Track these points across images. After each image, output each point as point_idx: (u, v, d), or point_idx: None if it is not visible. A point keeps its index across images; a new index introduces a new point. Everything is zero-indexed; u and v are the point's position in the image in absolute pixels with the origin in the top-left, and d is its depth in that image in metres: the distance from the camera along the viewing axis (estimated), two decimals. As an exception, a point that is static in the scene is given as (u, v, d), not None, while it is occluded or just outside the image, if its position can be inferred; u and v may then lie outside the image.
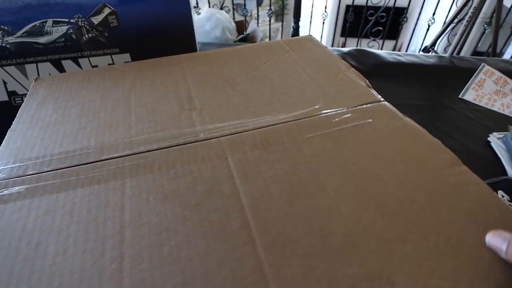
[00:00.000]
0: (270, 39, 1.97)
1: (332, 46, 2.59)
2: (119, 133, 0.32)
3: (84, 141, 0.31)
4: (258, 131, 0.31)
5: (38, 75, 0.48)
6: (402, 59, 0.78)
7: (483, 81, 0.71)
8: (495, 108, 0.66)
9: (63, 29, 0.46)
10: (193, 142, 0.30)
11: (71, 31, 0.47)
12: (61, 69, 0.49)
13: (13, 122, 0.34)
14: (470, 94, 0.69)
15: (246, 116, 0.33)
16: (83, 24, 0.46)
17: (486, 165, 0.53)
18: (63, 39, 0.47)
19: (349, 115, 0.32)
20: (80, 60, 0.49)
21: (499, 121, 0.63)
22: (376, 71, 0.75)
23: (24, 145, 0.31)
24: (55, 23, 0.45)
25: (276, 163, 0.27)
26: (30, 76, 0.49)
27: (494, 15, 1.16)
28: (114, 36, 0.48)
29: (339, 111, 0.33)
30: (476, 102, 0.68)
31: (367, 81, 0.36)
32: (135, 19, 0.48)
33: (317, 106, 0.34)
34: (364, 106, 0.33)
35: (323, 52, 0.44)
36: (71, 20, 0.46)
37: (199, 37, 1.20)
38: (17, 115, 0.35)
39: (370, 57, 0.77)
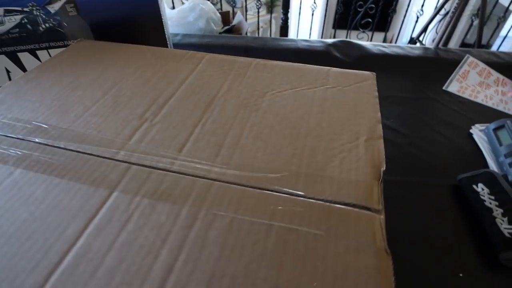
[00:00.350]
0: (258, 32, 1.94)
1: (322, 37, 2.55)
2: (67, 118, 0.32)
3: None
4: (180, 178, 0.25)
5: (-8, 69, 0.46)
6: (387, 50, 0.77)
7: (467, 72, 0.71)
8: (478, 100, 0.66)
9: (16, 18, 0.44)
10: (105, 158, 0.28)
11: (26, 20, 0.44)
12: (18, 63, 0.46)
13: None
14: (454, 86, 0.69)
15: (185, 154, 0.28)
16: (38, 13, 0.44)
17: (468, 158, 0.53)
18: (18, 29, 0.44)
19: (317, 232, 0.22)
20: (38, 52, 0.46)
21: (482, 113, 0.64)
22: (360, 63, 0.74)
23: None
24: (7, 12, 0.43)
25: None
26: (-15, 70, 0.46)
27: (480, 6, 1.14)
28: (74, 26, 0.46)
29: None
30: (460, 94, 0.68)
31: (383, 170, 0.26)
32: (96, 7, 0.46)
33: (275, 183, 0.25)
34: (346, 208, 0.23)
35: (366, 101, 0.35)
36: (25, 9, 0.43)
37: (182, 29, 1.17)
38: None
39: (354, 49, 0.76)
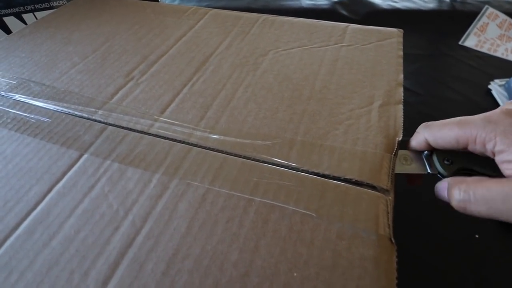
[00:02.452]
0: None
1: None
2: (52, 74, 0.29)
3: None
4: (156, 141, 0.22)
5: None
6: (398, 5, 0.69)
7: (486, 25, 0.62)
8: (498, 54, 0.58)
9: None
10: (82, 117, 0.24)
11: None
12: (4, 27, 0.43)
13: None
14: (471, 40, 0.60)
15: (167, 116, 0.23)
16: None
17: None
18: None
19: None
20: (24, 15, 0.43)
21: (502, 68, 0.56)
22: (369, 21, 0.66)
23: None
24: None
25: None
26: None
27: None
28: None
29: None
30: (478, 49, 0.59)
31: (398, 140, 0.21)
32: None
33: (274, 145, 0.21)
34: (344, 185, 0.19)
35: (387, 61, 0.29)
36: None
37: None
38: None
39: (362, 5, 0.69)
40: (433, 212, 0.33)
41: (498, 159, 0.17)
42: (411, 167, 0.20)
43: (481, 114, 0.17)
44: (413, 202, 0.31)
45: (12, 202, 0.20)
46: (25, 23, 0.44)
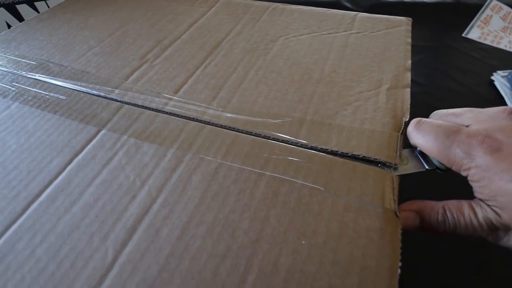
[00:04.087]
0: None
1: None
2: (70, 56, 0.30)
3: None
4: (171, 119, 0.22)
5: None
6: None
7: (490, 17, 0.61)
8: (501, 46, 0.57)
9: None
10: (99, 96, 0.25)
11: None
12: (17, 15, 0.44)
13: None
14: (474, 32, 0.59)
15: (181, 96, 0.24)
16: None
17: (488, 106, 0.44)
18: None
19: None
20: (36, 4, 0.43)
21: (505, 59, 0.55)
22: (373, 13, 0.66)
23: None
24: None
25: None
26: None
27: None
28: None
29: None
30: (481, 41, 0.58)
31: (405, 120, 0.21)
32: None
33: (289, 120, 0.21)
34: (351, 162, 0.19)
35: (395, 48, 0.29)
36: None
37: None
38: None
39: None
40: (438, 186, 0.33)
41: (470, 182, 0.17)
42: (408, 167, 0.19)
43: (463, 135, 0.17)
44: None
45: (35, 172, 0.20)
46: (38, 11, 0.45)
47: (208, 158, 0.20)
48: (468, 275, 0.27)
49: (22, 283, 0.15)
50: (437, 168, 0.19)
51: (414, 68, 0.54)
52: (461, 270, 0.27)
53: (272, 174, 0.19)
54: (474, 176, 0.17)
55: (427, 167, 0.19)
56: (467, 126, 0.18)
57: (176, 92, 0.25)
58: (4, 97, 0.26)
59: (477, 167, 0.16)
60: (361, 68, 0.27)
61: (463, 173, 0.17)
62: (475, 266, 0.27)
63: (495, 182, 0.16)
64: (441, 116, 0.20)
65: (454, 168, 0.18)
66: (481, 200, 0.17)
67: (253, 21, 0.35)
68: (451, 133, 0.18)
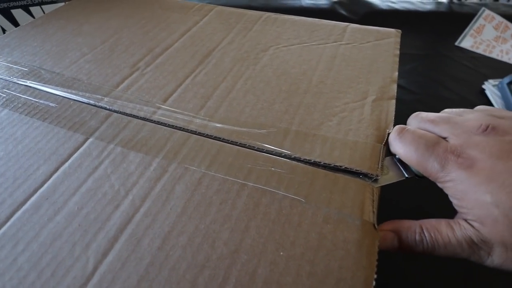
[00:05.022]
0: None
1: None
2: (62, 63, 0.30)
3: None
4: (158, 128, 0.22)
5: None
6: (397, 6, 0.69)
7: (483, 26, 0.63)
8: (493, 55, 0.58)
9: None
10: (88, 104, 0.25)
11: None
12: (12, 20, 0.44)
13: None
14: (467, 41, 0.61)
15: (169, 104, 0.24)
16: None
17: None
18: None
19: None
20: (31, 8, 0.44)
21: (496, 68, 0.56)
22: (368, 20, 0.67)
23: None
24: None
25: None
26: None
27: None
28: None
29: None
30: (474, 50, 0.60)
31: (388, 132, 0.21)
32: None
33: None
34: (333, 174, 0.19)
35: (383, 59, 0.29)
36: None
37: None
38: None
39: (361, 5, 0.69)
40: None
41: (448, 195, 0.18)
42: (389, 176, 0.20)
43: (441, 150, 0.18)
44: (391, 211, 0.32)
45: (21, 180, 0.21)
46: (33, 16, 0.45)
47: (192, 168, 0.20)
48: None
49: (1, 292, 0.16)
50: (416, 175, 0.20)
51: (407, 76, 0.55)
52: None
53: (254, 184, 0.19)
54: (450, 190, 0.17)
55: (406, 175, 0.20)
56: (445, 138, 0.18)
57: (165, 100, 0.26)
58: (-5, 103, 0.26)
59: (452, 181, 0.17)
60: (349, 79, 0.27)
61: (440, 185, 0.18)
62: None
63: (470, 195, 0.16)
64: (420, 121, 0.20)
65: (431, 179, 0.18)
66: (461, 213, 0.17)
67: (245, 30, 0.35)
68: (430, 146, 0.18)
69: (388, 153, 0.21)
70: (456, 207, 0.17)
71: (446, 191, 0.17)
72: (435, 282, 0.28)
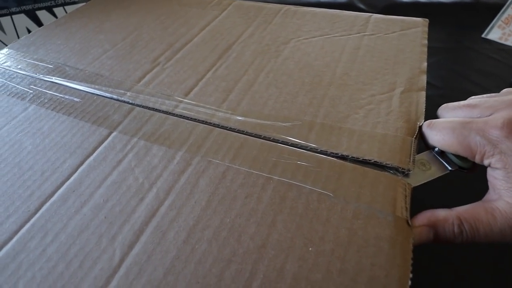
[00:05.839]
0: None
1: None
2: (85, 59, 0.31)
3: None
4: (180, 121, 0.22)
5: (15, 29, 0.46)
6: None
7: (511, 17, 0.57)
8: None
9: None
10: (111, 99, 0.26)
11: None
12: (37, 21, 0.45)
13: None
14: (495, 33, 0.57)
15: (191, 98, 0.24)
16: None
17: None
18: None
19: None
20: (55, 9, 0.45)
21: None
22: (387, 13, 0.65)
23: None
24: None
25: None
26: (7, 31, 0.46)
27: None
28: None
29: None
30: (502, 41, 0.56)
31: (419, 125, 0.20)
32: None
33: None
34: (362, 168, 0.18)
35: (410, 49, 0.28)
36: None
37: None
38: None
39: None
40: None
41: (490, 172, 0.16)
42: (432, 172, 0.19)
43: (481, 122, 0.16)
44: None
45: (48, 172, 0.21)
46: (56, 17, 0.46)
47: (216, 161, 0.20)
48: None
49: (32, 282, 0.16)
50: (460, 167, 0.18)
51: (430, 70, 0.52)
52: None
53: (280, 178, 0.19)
54: (497, 163, 0.16)
55: (450, 169, 0.19)
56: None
57: (186, 94, 0.25)
58: (22, 99, 0.27)
59: (501, 153, 0.15)
60: (374, 70, 0.26)
61: (486, 162, 0.16)
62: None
63: None
64: (453, 109, 0.19)
65: (476, 157, 0.17)
66: (504, 190, 0.16)
67: (265, 23, 0.35)
68: (467, 122, 0.17)
69: (422, 151, 0.20)
70: (500, 183, 0.16)
71: (494, 165, 0.16)
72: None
